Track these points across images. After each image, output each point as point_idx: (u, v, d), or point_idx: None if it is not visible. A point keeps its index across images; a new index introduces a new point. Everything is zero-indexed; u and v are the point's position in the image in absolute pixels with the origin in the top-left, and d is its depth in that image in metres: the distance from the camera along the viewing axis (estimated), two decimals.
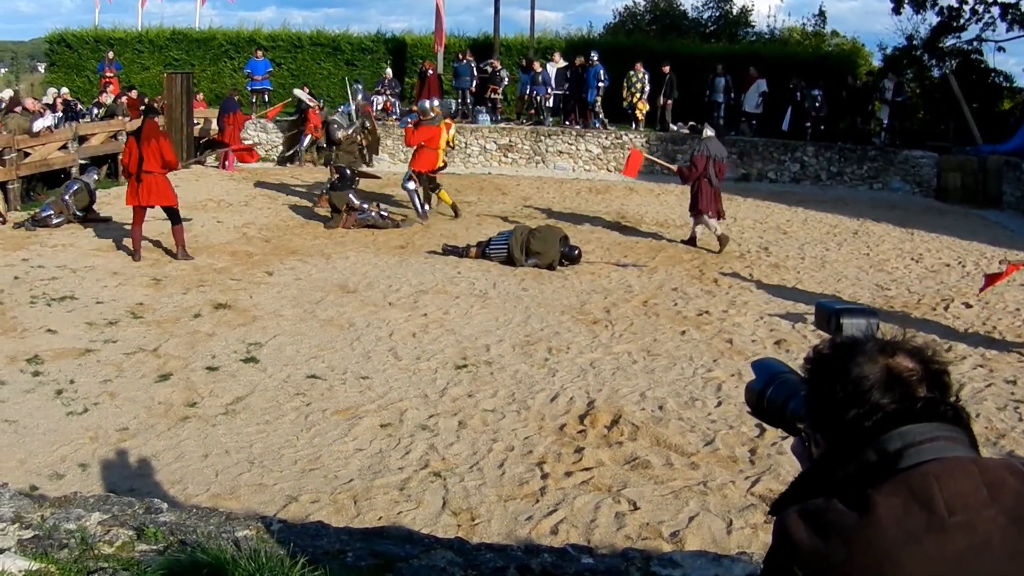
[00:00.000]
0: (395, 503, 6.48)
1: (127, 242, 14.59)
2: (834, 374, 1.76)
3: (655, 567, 3.78)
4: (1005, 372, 9.57)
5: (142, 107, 20.50)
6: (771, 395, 2.06)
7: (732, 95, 26.25)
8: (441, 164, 18.39)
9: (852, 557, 1.58)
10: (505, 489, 6.74)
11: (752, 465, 7.18)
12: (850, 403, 1.71)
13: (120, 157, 15.20)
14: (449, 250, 14.78)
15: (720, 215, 16.02)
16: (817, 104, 25.16)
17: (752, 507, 6.44)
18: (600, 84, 25.87)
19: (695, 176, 15.75)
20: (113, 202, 18.09)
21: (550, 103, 26.75)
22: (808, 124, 25.33)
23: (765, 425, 7.92)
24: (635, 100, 25.93)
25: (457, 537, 4.56)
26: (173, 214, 14.25)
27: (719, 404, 8.48)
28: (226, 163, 23.95)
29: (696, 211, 16.01)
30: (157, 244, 14.73)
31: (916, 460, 1.63)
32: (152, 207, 14.18)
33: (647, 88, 25.89)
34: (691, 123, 26.21)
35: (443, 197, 18.44)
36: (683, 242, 16.42)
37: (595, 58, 26.01)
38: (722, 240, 15.80)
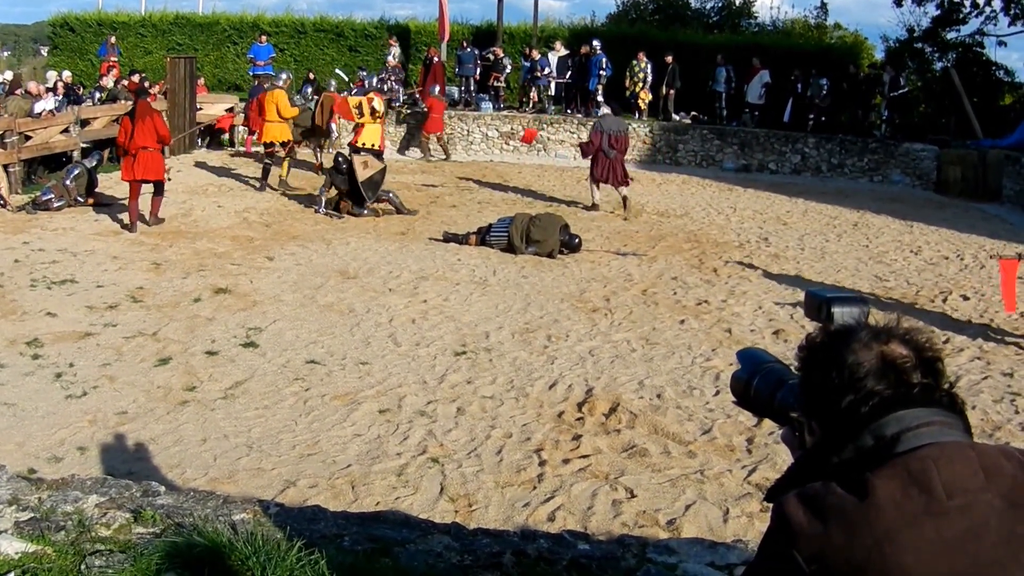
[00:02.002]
0: (393, 488, 6.50)
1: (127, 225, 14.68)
2: (828, 362, 1.77)
3: (651, 554, 3.80)
4: (1002, 365, 9.58)
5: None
6: (757, 385, 2.06)
7: (733, 85, 26.21)
8: (285, 137, 19.30)
9: (852, 540, 1.59)
10: (503, 475, 6.76)
11: (749, 454, 7.20)
12: (845, 390, 1.72)
13: (116, 138, 15.92)
14: (449, 237, 14.79)
15: (624, 183, 18.02)
16: (823, 92, 25.10)
17: (749, 496, 6.46)
18: (602, 73, 25.85)
19: (593, 151, 17.87)
20: (114, 186, 18.11)
21: (551, 91, 26.71)
22: (811, 116, 25.31)
23: None
24: (637, 89, 25.90)
25: (454, 522, 4.58)
26: (158, 186, 15.34)
27: (717, 393, 8.48)
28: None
29: (593, 179, 18.16)
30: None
31: (913, 444, 1.65)
32: (147, 181, 15.02)
33: (650, 78, 25.85)
34: (693, 113, 26.22)
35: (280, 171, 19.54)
36: (586, 208, 18.33)
37: (597, 47, 25.99)
38: (625, 201, 18.11)
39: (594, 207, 18.19)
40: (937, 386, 1.74)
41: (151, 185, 15.24)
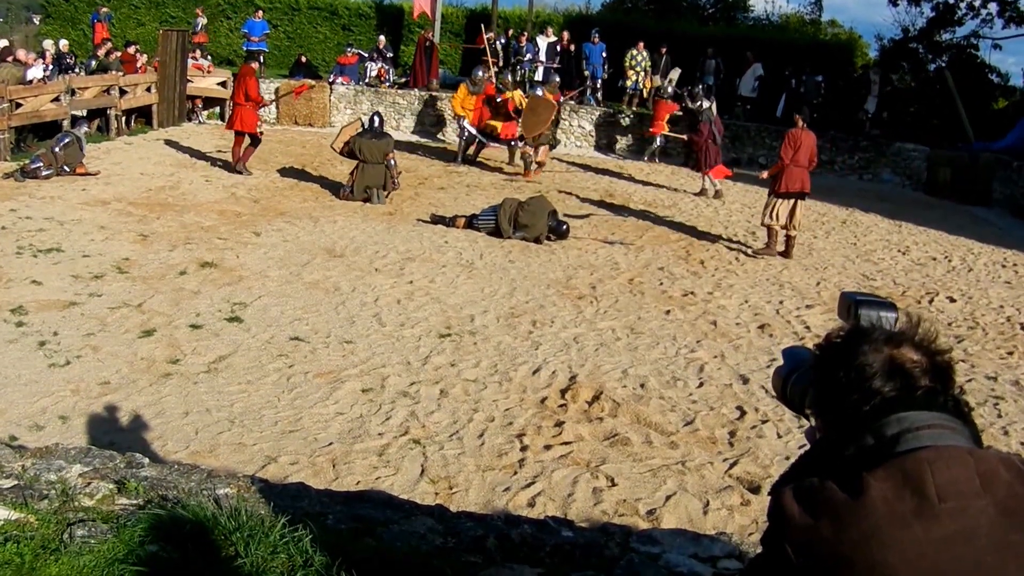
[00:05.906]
0: (374, 468, 6.50)
1: (115, 195, 14.71)
2: (839, 361, 1.80)
3: (634, 543, 3.81)
4: (986, 368, 9.63)
5: (137, 57, 21.84)
6: (795, 382, 2.08)
7: (722, 77, 26.18)
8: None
9: (840, 535, 1.60)
10: (484, 459, 6.76)
11: (731, 447, 7.23)
12: (851, 389, 1.75)
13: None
14: (437, 219, 14.77)
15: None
16: (822, 91, 25.13)
17: (729, 488, 6.48)
18: (604, 57, 25.94)
19: (703, 141, 19.54)
20: (103, 156, 18.05)
21: (539, 77, 26.67)
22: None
23: (745, 407, 7.94)
24: (639, 79, 25.88)
25: (438, 504, 4.58)
26: (252, 138, 18.25)
27: (700, 385, 8.50)
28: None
29: (700, 169, 20.06)
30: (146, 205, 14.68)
31: (912, 445, 1.65)
32: (243, 132, 17.97)
33: (648, 67, 25.85)
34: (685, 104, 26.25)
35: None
36: (715, 196, 19.46)
37: (596, 37, 26.00)
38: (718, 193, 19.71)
39: (717, 195, 19.43)
40: (944, 391, 1.75)
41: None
